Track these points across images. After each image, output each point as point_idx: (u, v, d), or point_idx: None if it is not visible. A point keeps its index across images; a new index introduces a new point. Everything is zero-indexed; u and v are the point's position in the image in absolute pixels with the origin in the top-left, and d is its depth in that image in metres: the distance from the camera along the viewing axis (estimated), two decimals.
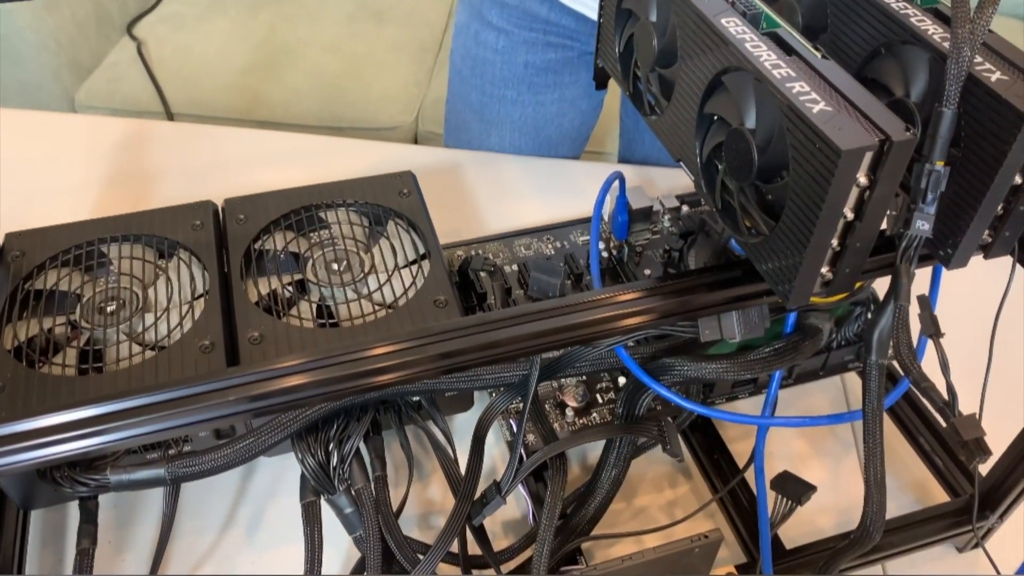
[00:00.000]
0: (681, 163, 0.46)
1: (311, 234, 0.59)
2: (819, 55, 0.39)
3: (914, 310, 0.40)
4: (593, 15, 0.77)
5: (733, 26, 0.40)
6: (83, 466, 0.47)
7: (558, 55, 0.82)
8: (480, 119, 0.88)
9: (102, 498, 0.51)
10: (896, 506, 0.58)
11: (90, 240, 0.56)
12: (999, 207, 0.39)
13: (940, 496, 0.59)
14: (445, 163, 0.84)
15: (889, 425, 0.62)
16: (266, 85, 1.46)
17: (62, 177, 0.81)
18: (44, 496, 0.52)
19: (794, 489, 0.50)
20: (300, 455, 0.47)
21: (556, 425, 0.58)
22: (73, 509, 0.51)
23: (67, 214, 0.59)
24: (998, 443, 0.42)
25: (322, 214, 0.60)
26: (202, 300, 0.53)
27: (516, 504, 0.58)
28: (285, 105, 1.43)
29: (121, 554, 0.54)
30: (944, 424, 0.39)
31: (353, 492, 0.48)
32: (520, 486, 0.54)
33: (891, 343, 0.40)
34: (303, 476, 0.49)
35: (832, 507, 0.58)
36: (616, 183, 0.60)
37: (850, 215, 0.36)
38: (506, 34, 0.81)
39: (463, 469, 0.51)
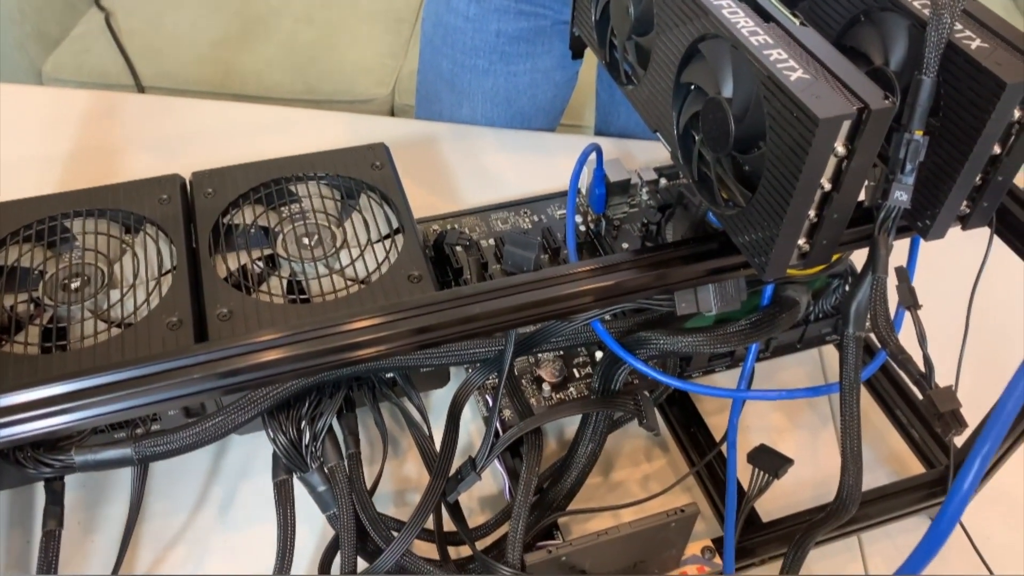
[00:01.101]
0: (658, 134, 0.46)
1: (281, 208, 0.57)
2: (797, 22, 0.38)
3: (892, 282, 0.40)
4: None
5: None
6: (47, 446, 0.45)
7: (531, 24, 0.81)
8: (451, 89, 0.86)
9: (72, 478, 0.50)
10: (872, 478, 0.58)
11: (53, 215, 0.55)
12: (977, 177, 0.39)
13: (916, 468, 0.59)
14: (420, 135, 0.83)
15: (866, 397, 0.62)
16: (238, 56, 1.43)
17: (28, 150, 0.79)
18: (9, 477, 0.51)
19: (771, 462, 0.50)
20: (272, 433, 0.47)
21: (533, 400, 0.57)
22: (42, 489, 0.50)
23: (33, 188, 0.57)
24: (973, 415, 0.42)
25: (292, 187, 0.58)
26: (169, 276, 0.52)
27: (493, 480, 0.57)
28: (258, 77, 1.41)
29: (90, 535, 0.53)
30: (921, 396, 0.38)
31: (326, 470, 0.48)
32: (497, 462, 0.53)
33: (868, 315, 0.40)
34: (275, 454, 0.48)
35: (809, 480, 0.58)
36: (593, 155, 0.59)
37: (827, 185, 0.35)
38: (477, 1, 0.80)
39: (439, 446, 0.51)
